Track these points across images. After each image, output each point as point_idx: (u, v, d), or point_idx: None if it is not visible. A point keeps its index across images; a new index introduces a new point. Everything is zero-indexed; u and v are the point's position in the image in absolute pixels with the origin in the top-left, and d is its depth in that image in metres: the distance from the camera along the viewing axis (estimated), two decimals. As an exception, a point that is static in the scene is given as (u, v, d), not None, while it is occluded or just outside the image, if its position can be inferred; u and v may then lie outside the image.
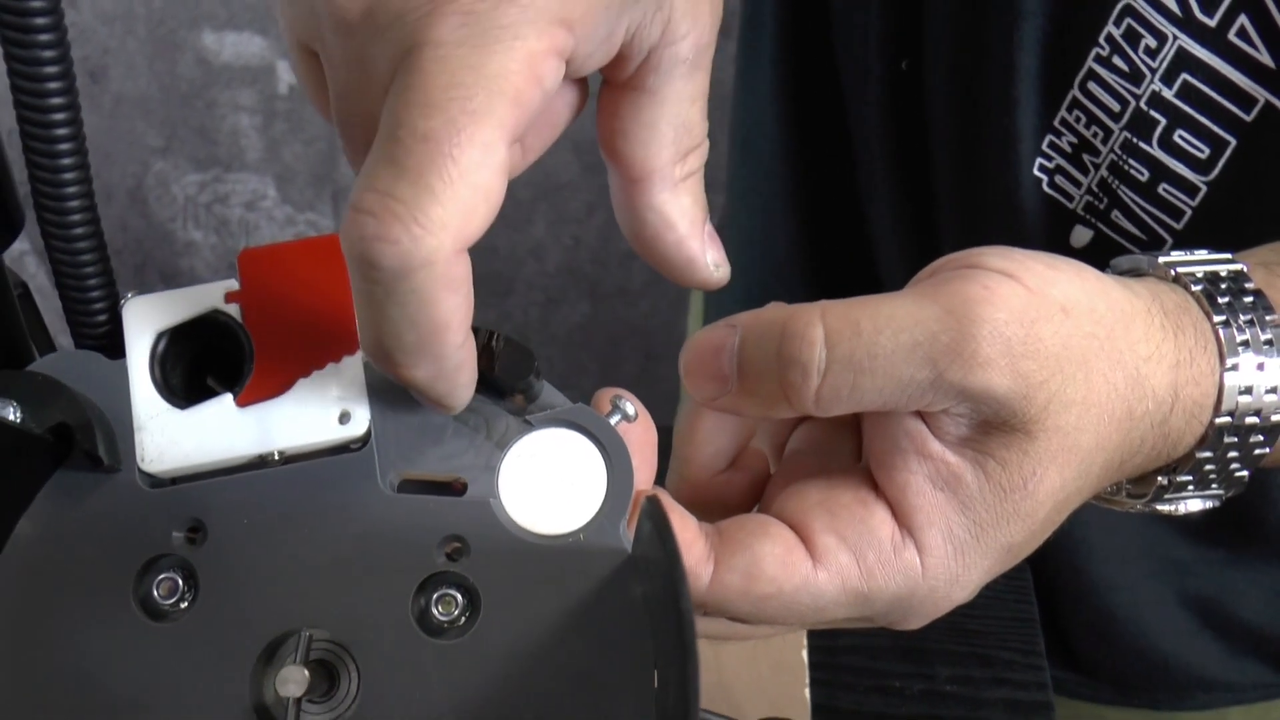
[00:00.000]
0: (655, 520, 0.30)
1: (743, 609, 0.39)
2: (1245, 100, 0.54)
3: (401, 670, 0.35)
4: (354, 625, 0.36)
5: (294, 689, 0.34)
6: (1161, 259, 0.43)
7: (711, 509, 0.42)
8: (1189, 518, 0.44)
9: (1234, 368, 0.40)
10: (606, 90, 0.39)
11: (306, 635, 0.35)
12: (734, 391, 0.39)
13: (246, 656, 0.36)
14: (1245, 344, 0.40)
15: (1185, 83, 0.55)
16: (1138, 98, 0.56)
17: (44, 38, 0.34)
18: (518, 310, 1.67)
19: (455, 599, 0.36)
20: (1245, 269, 0.42)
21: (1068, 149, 0.60)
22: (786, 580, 0.38)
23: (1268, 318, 0.40)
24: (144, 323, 0.37)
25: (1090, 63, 0.57)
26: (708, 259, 0.41)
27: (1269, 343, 0.40)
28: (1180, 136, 0.56)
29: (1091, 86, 0.58)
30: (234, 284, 0.38)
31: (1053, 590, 0.70)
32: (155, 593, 0.36)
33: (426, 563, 0.36)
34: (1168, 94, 0.55)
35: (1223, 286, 0.41)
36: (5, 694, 0.35)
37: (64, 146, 0.35)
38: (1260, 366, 0.40)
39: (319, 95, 0.40)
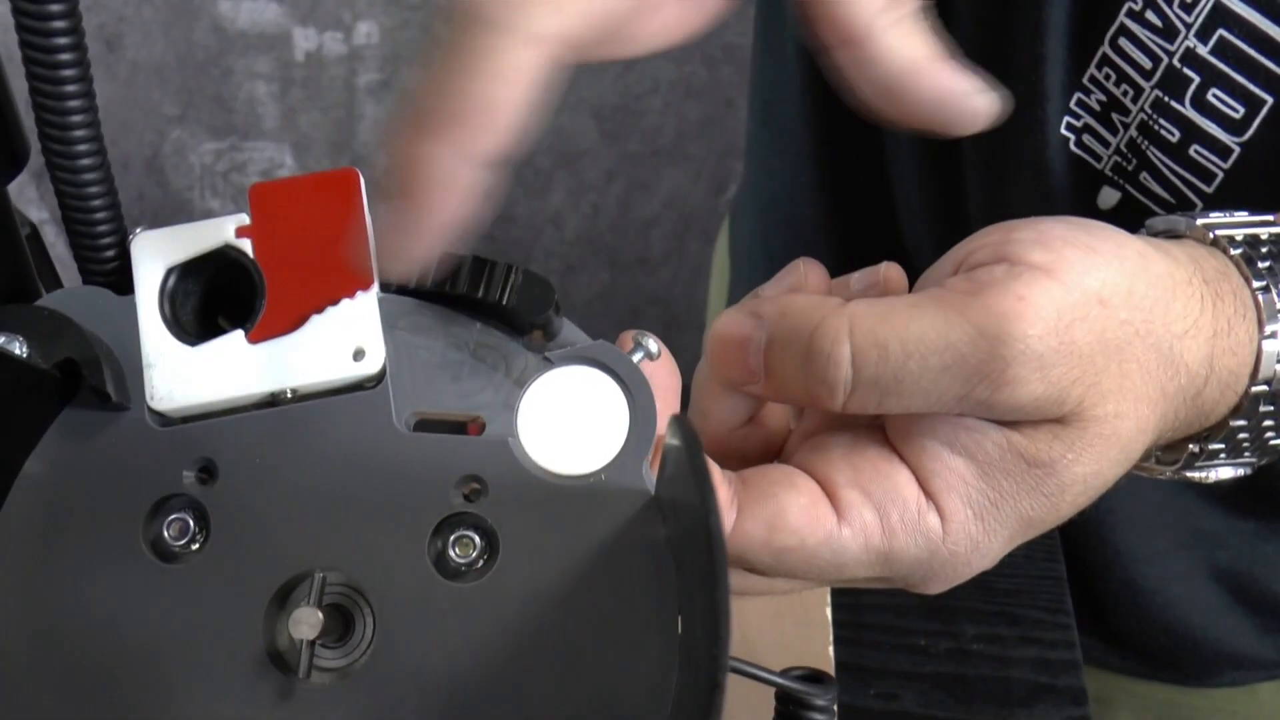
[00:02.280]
0: (684, 437, 0.29)
1: (763, 560, 0.38)
2: None
3: (418, 614, 0.34)
4: (369, 567, 0.35)
5: (307, 631, 0.33)
6: (1200, 220, 0.41)
7: (730, 464, 0.41)
8: (1219, 485, 0.44)
9: (1273, 335, 0.39)
10: None
11: (320, 577, 0.34)
12: (760, 386, 0.39)
13: (259, 599, 0.35)
14: None
15: (1221, 39, 0.53)
16: (1170, 54, 0.55)
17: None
18: (536, 279, 1.66)
19: (473, 541, 0.35)
20: None
21: (1096, 108, 0.58)
22: (810, 533, 0.37)
23: None
24: (153, 258, 0.36)
25: (1122, 18, 0.55)
26: (965, 87, 0.39)
27: None
28: (1214, 95, 0.54)
29: (1123, 43, 0.56)
30: (245, 219, 0.37)
31: (1079, 560, 0.69)
32: (166, 534, 0.35)
33: (443, 503, 0.35)
34: (1202, 50, 0.54)
35: (1263, 250, 0.40)
36: (14, 636, 0.35)
37: (68, 73, 0.34)
38: None
39: None
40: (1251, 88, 0.53)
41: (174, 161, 1.64)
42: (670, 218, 1.55)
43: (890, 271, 0.41)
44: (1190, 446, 0.42)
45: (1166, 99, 0.55)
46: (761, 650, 0.57)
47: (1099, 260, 0.37)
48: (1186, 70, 0.54)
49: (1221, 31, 0.53)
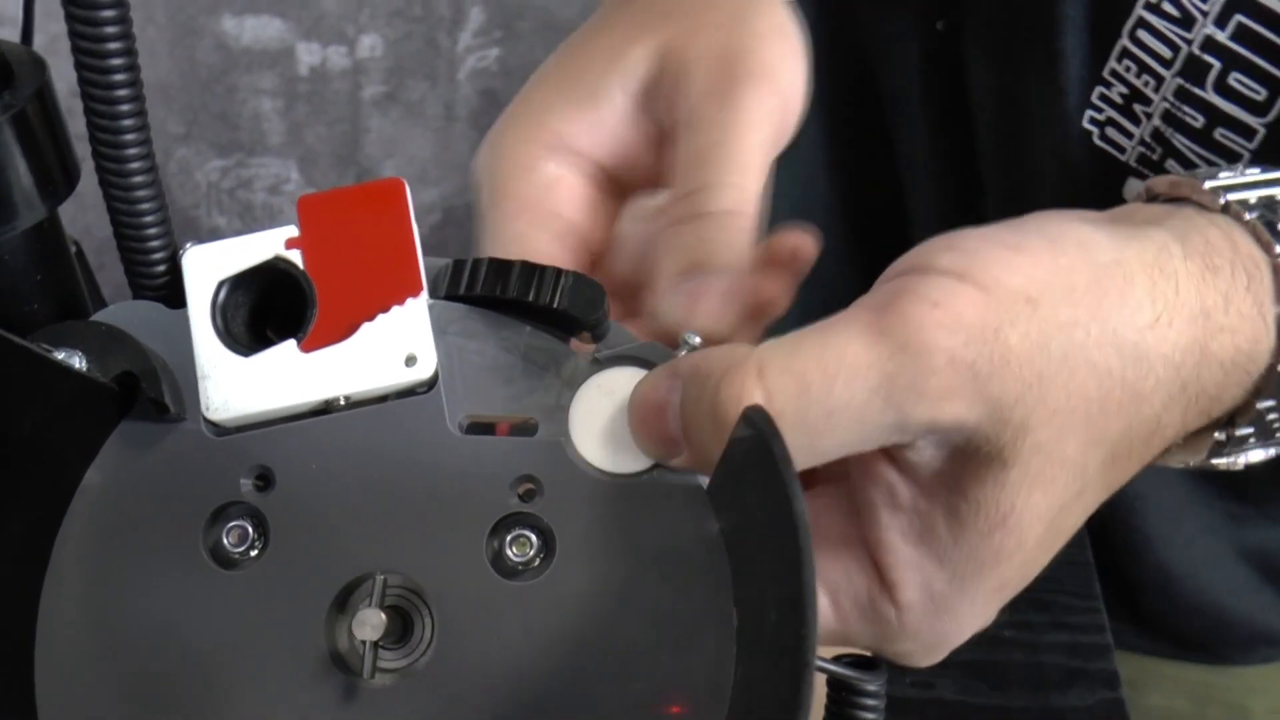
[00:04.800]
0: (762, 427, 0.30)
1: None
2: None
3: (477, 613, 0.35)
4: (428, 568, 0.35)
5: (371, 632, 0.34)
6: (1208, 183, 0.38)
7: None
8: (1251, 470, 0.42)
9: None
10: None
11: (381, 579, 0.35)
12: (685, 455, 0.35)
13: (319, 603, 0.35)
14: None
15: (1239, 24, 0.54)
16: (1190, 42, 0.55)
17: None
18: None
19: (530, 540, 0.35)
20: None
21: (1119, 100, 0.59)
22: None
23: None
24: (204, 272, 0.37)
25: (1139, 10, 0.56)
26: None
27: None
28: (1235, 79, 0.55)
29: (1141, 34, 0.57)
30: (293, 230, 0.37)
31: (1110, 547, 0.70)
32: (225, 541, 0.36)
33: (499, 504, 0.35)
34: (1221, 36, 0.54)
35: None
36: (80, 644, 0.35)
37: (122, 93, 0.34)
38: None
39: None
40: (1272, 69, 0.53)
41: (180, 179, 1.65)
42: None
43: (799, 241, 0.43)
44: (1216, 435, 0.38)
45: (1189, 86, 0.56)
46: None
47: (1023, 258, 0.34)
48: (1207, 57, 0.55)
49: (1239, 17, 0.53)
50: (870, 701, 0.38)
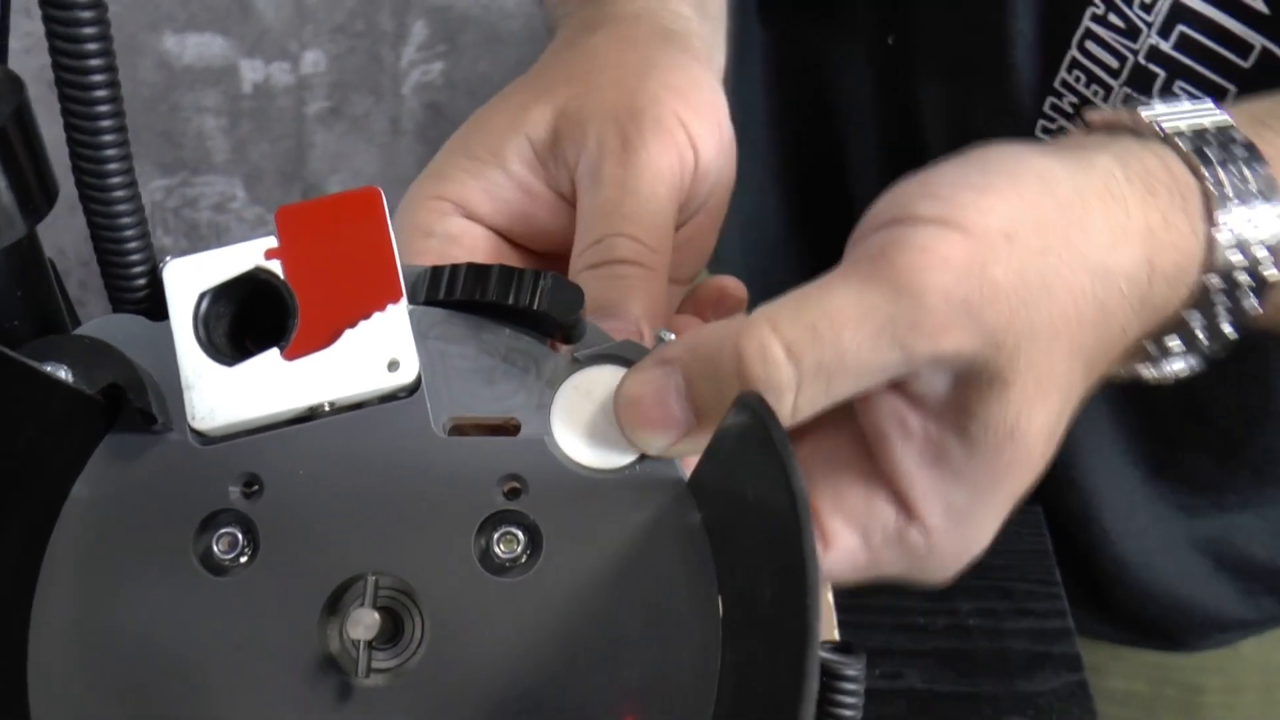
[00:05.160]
0: (759, 413, 0.30)
1: None
2: (1242, 47, 0.54)
3: (467, 610, 0.36)
4: (417, 568, 0.36)
5: (364, 632, 0.34)
6: (1145, 112, 0.41)
7: None
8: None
9: (1224, 224, 0.39)
10: None
11: (373, 579, 0.35)
12: (694, 431, 0.36)
13: (311, 607, 0.36)
14: (1239, 199, 0.39)
15: (1182, 34, 0.55)
16: (1136, 53, 0.57)
17: (79, -3, 0.34)
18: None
19: (517, 536, 0.36)
20: (1232, 120, 0.41)
21: (1069, 109, 0.61)
22: None
23: (1261, 170, 0.39)
24: (186, 284, 0.37)
25: (1087, 22, 0.58)
26: None
27: (1261, 194, 0.39)
28: (1180, 88, 0.57)
29: (1089, 45, 0.58)
30: (272, 241, 0.38)
31: (1068, 539, 0.71)
32: (215, 548, 0.36)
33: (486, 502, 0.36)
34: (1165, 47, 0.56)
35: (1210, 140, 0.40)
36: (72, 656, 0.36)
37: (103, 109, 0.35)
38: (1251, 221, 0.39)
39: None
40: (1215, 78, 0.55)
41: (124, 199, 1.64)
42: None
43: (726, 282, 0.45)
44: (1146, 345, 0.41)
45: (1136, 95, 0.58)
46: (769, 637, 0.58)
47: (994, 199, 0.37)
48: (1152, 66, 0.57)
49: (1181, 27, 0.55)
50: (850, 686, 0.39)
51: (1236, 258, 0.39)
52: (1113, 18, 0.57)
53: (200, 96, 1.56)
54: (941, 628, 0.62)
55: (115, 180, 0.36)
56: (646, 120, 0.46)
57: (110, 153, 0.36)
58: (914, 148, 0.68)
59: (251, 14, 1.50)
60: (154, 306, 0.38)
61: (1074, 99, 0.60)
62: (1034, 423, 0.38)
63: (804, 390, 0.36)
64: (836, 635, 0.59)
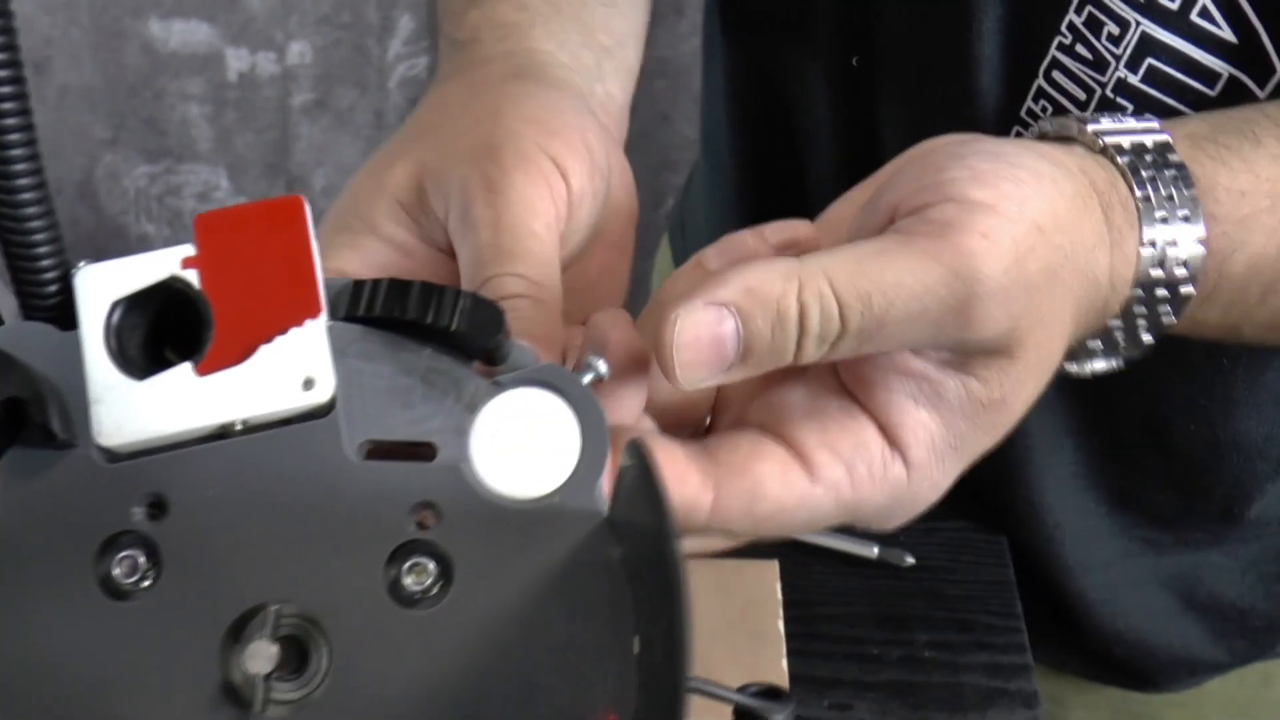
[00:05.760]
0: (641, 462, 0.29)
1: (743, 528, 0.40)
2: (1209, 76, 0.54)
3: (374, 643, 0.34)
4: (324, 598, 0.34)
5: (263, 664, 0.33)
6: (1090, 126, 0.43)
7: (681, 430, 0.42)
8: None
9: (1150, 241, 0.41)
10: None
11: (274, 610, 0.34)
12: (736, 369, 0.38)
13: (213, 634, 0.34)
14: (1164, 218, 0.41)
15: (1150, 67, 0.54)
16: (1103, 85, 0.56)
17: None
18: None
19: (428, 567, 0.35)
20: (1170, 140, 0.43)
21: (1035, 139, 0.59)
22: (788, 499, 0.39)
23: (1186, 192, 0.42)
24: (97, 292, 0.36)
25: (1054, 52, 0.57)
26: None
27: (1185, 218, 0.41)
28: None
29: (1056, 76, 0.57)
30: (190, 249, 0.36)
31: (1031, 572, 0.70)
32: (115, 571, 0.35)
33: (397, 531, 0.35)
34: (1133, 80, 0.55)
35: (1147, 159, 0.42)
36: (-39, 679, 0.34)
37: (6, 106, 0.33)
38: (1173, 240, 0.41)
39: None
40: (1182, 109, 0.54)
41: (107, 186, 1.62)
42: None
43: (802, 229, 0.44)
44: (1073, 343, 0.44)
45: None
46: (715, 664, 0.57)
47: (1029, 190, 0.39)
48: (1120, 99, 0.55)
49: (1150, 60, 0.54)
50: (778, 731, 0.38)
51: (1157, 273, 0.42)
52: (1080, 49, 0.55)
53: (185, 84, 1.54)
54: (895, 659, 0.60)
55: (23, 181, 0.34)
56: (507, 156, 0.45)
57: (16, 152, 0.34)
58: (872, 168, 0.66)
59: (238, 1, 1.49)
60: (65, 314, 0.36)
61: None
62: (1021, 396, 0.40)
63: (839, 346, 0.37)
64: (784, 665, 0.58)
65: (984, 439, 0.41)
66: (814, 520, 0.40)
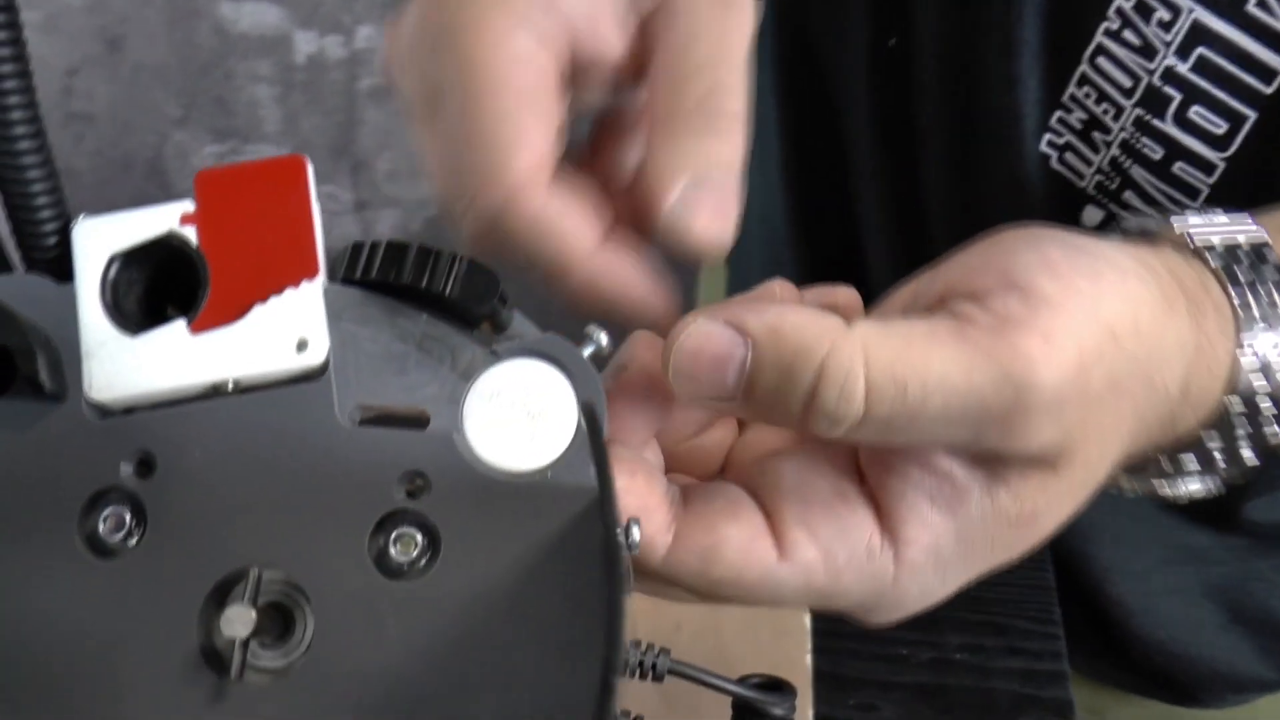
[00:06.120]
0: (588, 427, 0.28)
1: (697, 587, 0.37)
2: (1265, 73, 0.51)
3: (356, 613, 0.33)
4: (308, 565, 0.34)
5: (240, 629, 0.32)
6: (1177, 224, 0.40)
7: (679, 473, 0.40)
8: (1203, 501, 0.42)
9: (1250, 347, 0.37)
10: None
11: (256, 573, 0.33)
12: (736, 406, 0.35)
13: (195, 596, 0.34)
14: (1264, 320, 0.37)
15: (1201, 57, 0.52)
16: (1151, 73, 0.54)
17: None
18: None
19: (415, 539, 0.33)
20: (1267, 238, 0.39)
21: (1078, 126, 0.57)
22: (746, 569, 0.36)
23: None
24: (95, 245, 0.35)
25: (1100, 37, 0.54)
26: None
27: None
28: (1196, 113, 0.53)
29: (1101, 62, 0.55)
30: (190, 205, 0.36)
31: (1069, 575, 0.67)
32: (101, 528, 0.34)
33: (385, 499, 0.34)
34: (1182, 69, 0.53)
35: (1242, 259, 0.38)
36: (-60, 632, 0.34)
37: (2, 51, 0.33)
38: (1277, 346, 0.37)
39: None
40: (1234, 104, 0.52)
41: (176, 164, 1.64)
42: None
43: (845, 296, 0.40)
44: (1162, 463, 0.40)
45: (1148, 117, 0.54)
46: (736, 659, 0.55)
47: (1105, 287, 0.35)
48: (1167, 89, 0.53)
49: (1201, 49, 0.52)
50: (777, 726, 0.36)
51: (1260, 382, 0.38)
52: (1128, 34, 0.53)
53: (254, 65, 1.55)
54: (925, 661, 0.58)
55: (19, 130, 0.34)
56: None
57: (13, 99, 0.33)
58: (909, 149, 0.64)
59: (308, -16, 1.49)
60: (65, 266, 0.36)
61: (1083, 115, 0.56)
62: (1054, 515, 0.36)
63: (858, 430, 0.33)
64: (808, 661, 0.56)
65: (1000, 555, 0.37)
66: (777, 598, 0.36)
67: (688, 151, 0.38)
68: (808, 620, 0.57)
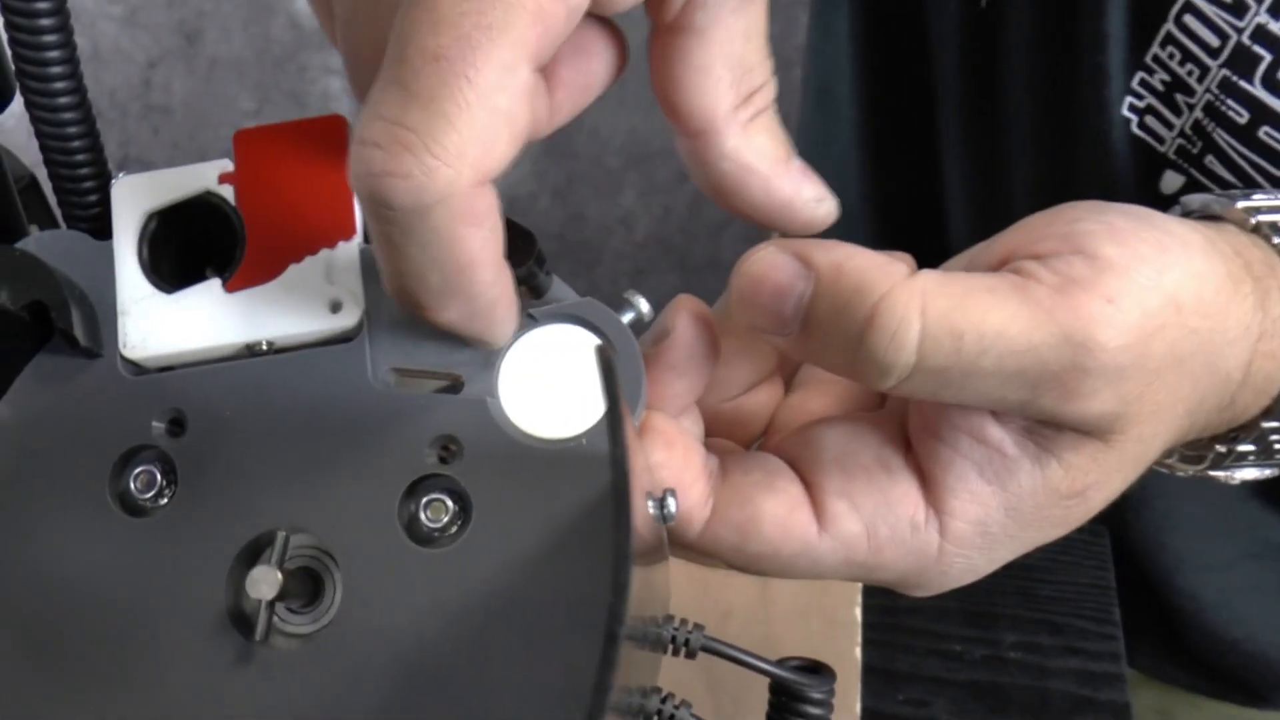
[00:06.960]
0: (602, 372, 0.27)
1: (735, 560, 0.36)
2: None
3: (385, 580, 0.33)
4: (338, 529, 0.33)
5: (266, 590, 0.32)
6: (1240, 203, 0.38)
7: (721, 436, 0.39)
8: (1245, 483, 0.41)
9: None
10: (654, 37, 0.35)
11: (284, 536, 0.33)
12: (790, 338, 0.34)
13: (224, 558, 0.33)
14: None
15: None
16: (1240, 31, 0.52)
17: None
18: (605, 280, 1.64)
19: (445, 504, 0.33)
20: None
21: (1160, 87, 0.55)
22: (784, 544, 0.35)
23: None
24: (133, 203, 0.35)
25: None
26: (805, 195, 0.36)
27: None
28: None
29: (1188, 20, 0.53)
30: (229, 164, 0.35)
31: (1137, 566, 0.65)
32: (133, 486, 0.34)
33: (416, 463, 0.33)
34: (1275, 27, 0.51)
35: None
36: (-30, 585, 0.34)
37: (44, 5, 0.33)
38: None
39: (329, 21, 0.37)
40: None
41: (250, 156, 1.65)
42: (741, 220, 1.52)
43: (904, 261, 0.39)
44: (1217, 447, 0.39)
45: (1235, 78, 0.52)
46: (785, 648, 0.54)
47: (1171, 258, 0.34)
48: (1257, 48, 0.51)
49: None
50: (813, 711, 0.35)
51: None
52: None
53: (328, 58, 1.56)
54: (979, 658, 0.57)
55: (60, 85, 0.34)
56: None
57: (53, 54, 0.33)
58: (995, 115, 0.63)
59: (383, -22, 1.50)
60: (104, 225, 0.36)
61: (1166, 76, 0.55)
62: (1105, 490, 0.35)
63: (909, 382, 0.32)
64: (858, 654, 0.55)
65: (1049, 531, 0.36)
66: (817, 572, 0.36)
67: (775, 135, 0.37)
68: (859, 612, 0.56)
